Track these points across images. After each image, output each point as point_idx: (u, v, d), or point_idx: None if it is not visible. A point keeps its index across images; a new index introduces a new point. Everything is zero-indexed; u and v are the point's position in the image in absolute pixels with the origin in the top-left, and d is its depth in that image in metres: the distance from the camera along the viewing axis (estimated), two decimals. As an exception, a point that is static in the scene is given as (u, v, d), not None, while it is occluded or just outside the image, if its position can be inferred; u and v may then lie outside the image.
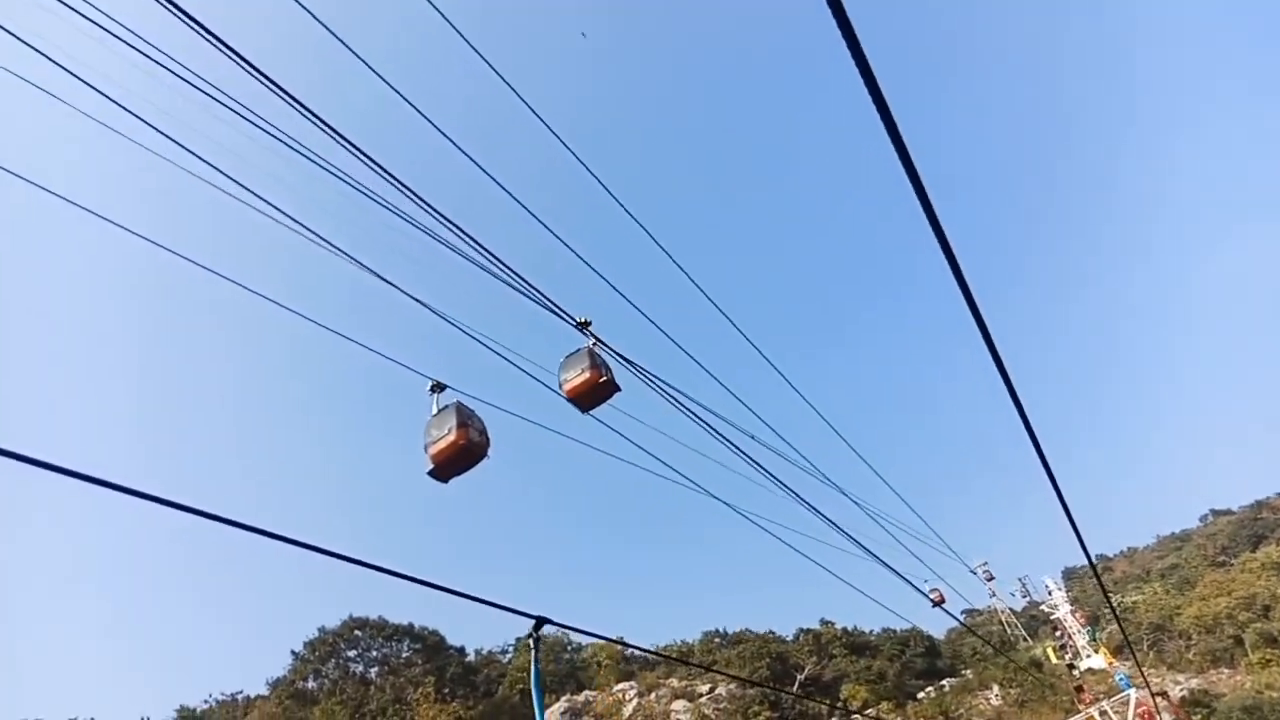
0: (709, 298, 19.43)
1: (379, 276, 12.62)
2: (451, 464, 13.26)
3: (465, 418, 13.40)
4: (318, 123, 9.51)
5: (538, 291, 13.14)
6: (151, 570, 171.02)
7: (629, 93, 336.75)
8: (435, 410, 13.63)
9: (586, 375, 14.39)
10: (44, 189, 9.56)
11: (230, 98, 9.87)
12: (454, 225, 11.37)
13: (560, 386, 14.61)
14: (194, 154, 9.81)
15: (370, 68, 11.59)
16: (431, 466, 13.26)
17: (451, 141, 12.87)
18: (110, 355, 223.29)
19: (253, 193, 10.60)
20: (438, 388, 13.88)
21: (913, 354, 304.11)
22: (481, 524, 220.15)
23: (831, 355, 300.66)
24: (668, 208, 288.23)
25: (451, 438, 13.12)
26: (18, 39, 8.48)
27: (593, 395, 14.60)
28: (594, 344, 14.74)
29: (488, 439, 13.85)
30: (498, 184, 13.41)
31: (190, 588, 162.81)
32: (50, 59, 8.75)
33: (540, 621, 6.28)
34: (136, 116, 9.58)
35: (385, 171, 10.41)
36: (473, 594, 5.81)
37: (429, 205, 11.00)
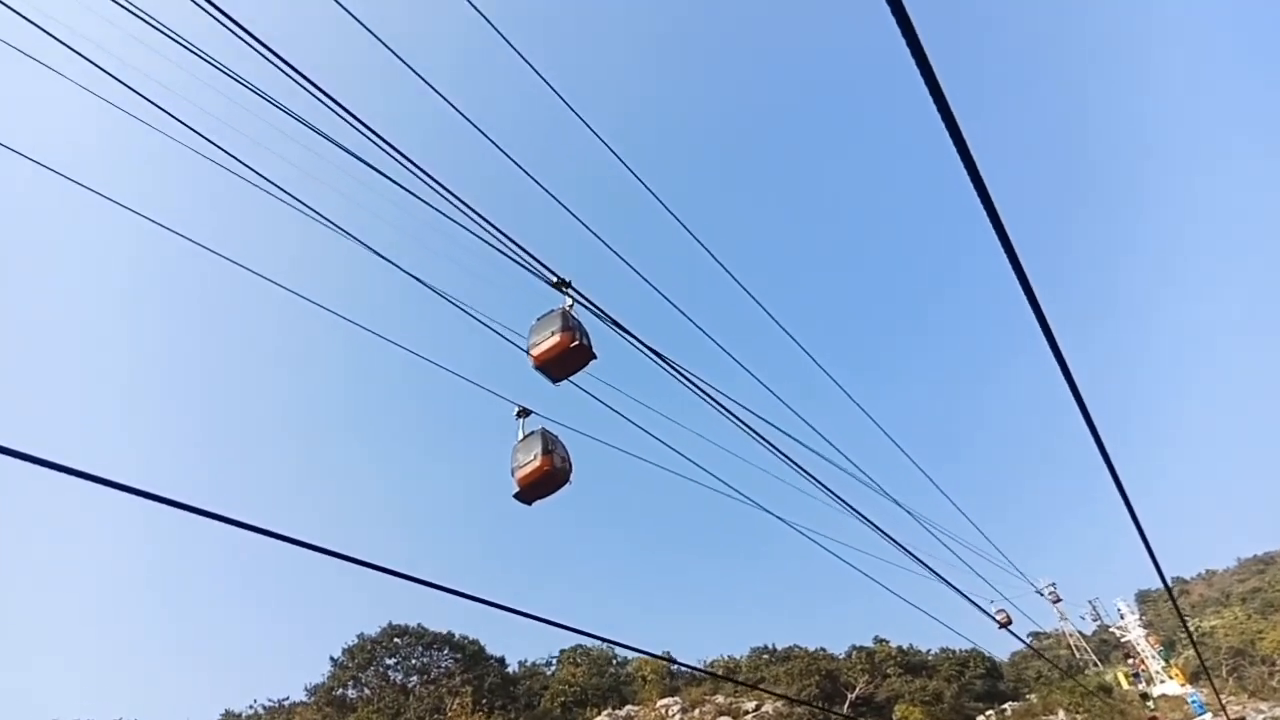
0: (752, 295, 18.29)
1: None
2: (537, 488, 13.82)
3: (550, 444, 13.93)
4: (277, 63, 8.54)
5: (511, 242, 11.77)
6: (204, 579, 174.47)
7: (677, 93, 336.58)
8: (521, 435, 14.16)
9: (557, 339, 12.97)
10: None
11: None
12: (418, 168, 10.08)
13: (528, 352, 13.16)
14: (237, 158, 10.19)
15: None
16: (517, 489, 13.80)
17: (435, 89, 11.75)
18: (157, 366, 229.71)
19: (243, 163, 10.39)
20: (523, 413, 14.33)
21: (979, 367, 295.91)
22: (525, 535, 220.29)
23: (895, 376, 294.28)
24: (716, 218, 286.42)
25: (537, 463, 13.68)
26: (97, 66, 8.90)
27: (563, 362, 13.15)
28: (570, 305, 13.18)
29: (570, 465, 14.35)
30: (480, 131, 12.17)
31: (242, 596, 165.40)
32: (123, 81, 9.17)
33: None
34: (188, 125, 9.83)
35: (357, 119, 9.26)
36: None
37: (394, 149, 9.78)
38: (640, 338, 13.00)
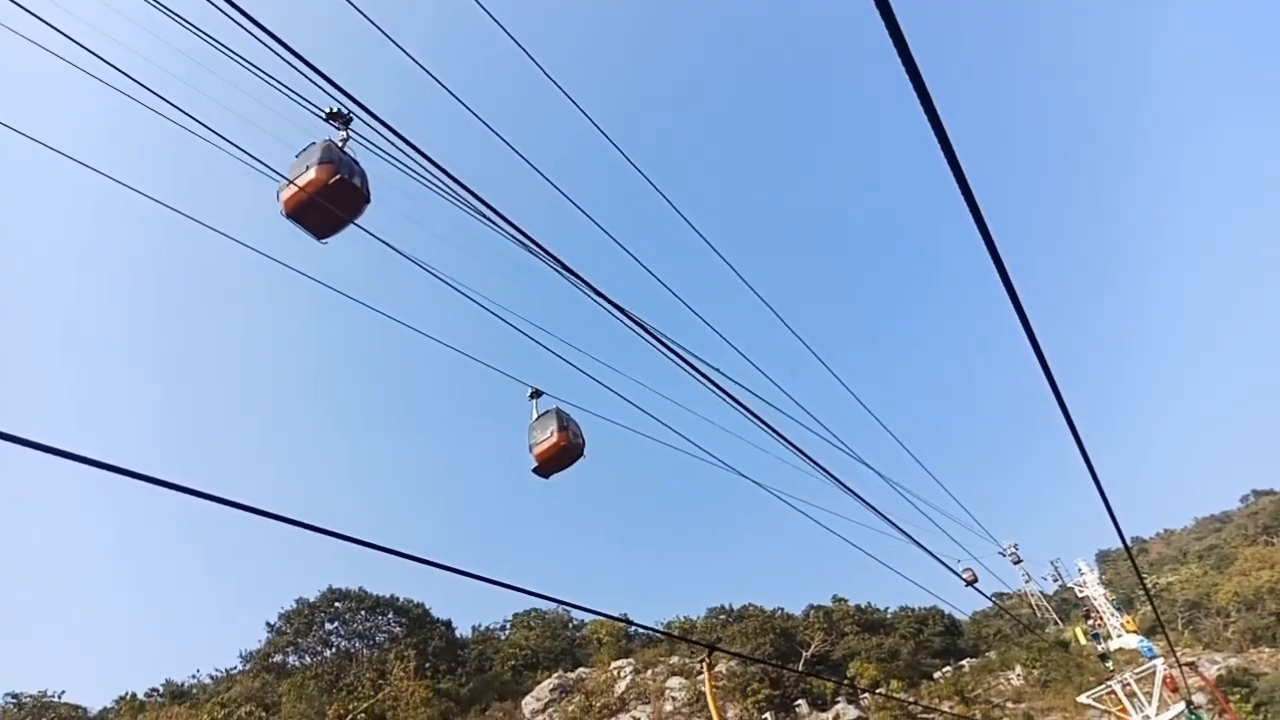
0: (715, 248, 16.25)
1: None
2: (553, 463, 14.69)
3: (565, 422, 14.77)
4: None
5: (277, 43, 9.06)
6: (153, 550, 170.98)
7: (656, 79, 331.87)
8: (536, 415, 14.98)
9: (313, 176, 10.20)
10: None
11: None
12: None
13: (278, 195, 10.40)
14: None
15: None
16: (535, 465, 14.66)
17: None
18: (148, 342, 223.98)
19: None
20: (536, 394, 15.12)
21: (943, 333, 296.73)
22: (477, 505, 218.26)
23: (862, 337, 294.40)
24: (699, 198, 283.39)
25: (554, 440, 14.51)
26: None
27: (324, 205, 10.31)
28: (344, 141, 10.36)
29: (584, 440, 15.12)
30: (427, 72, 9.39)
31: (188, 565, 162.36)
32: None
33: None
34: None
35: None
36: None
37: None
38: (476, 195, 10.27)
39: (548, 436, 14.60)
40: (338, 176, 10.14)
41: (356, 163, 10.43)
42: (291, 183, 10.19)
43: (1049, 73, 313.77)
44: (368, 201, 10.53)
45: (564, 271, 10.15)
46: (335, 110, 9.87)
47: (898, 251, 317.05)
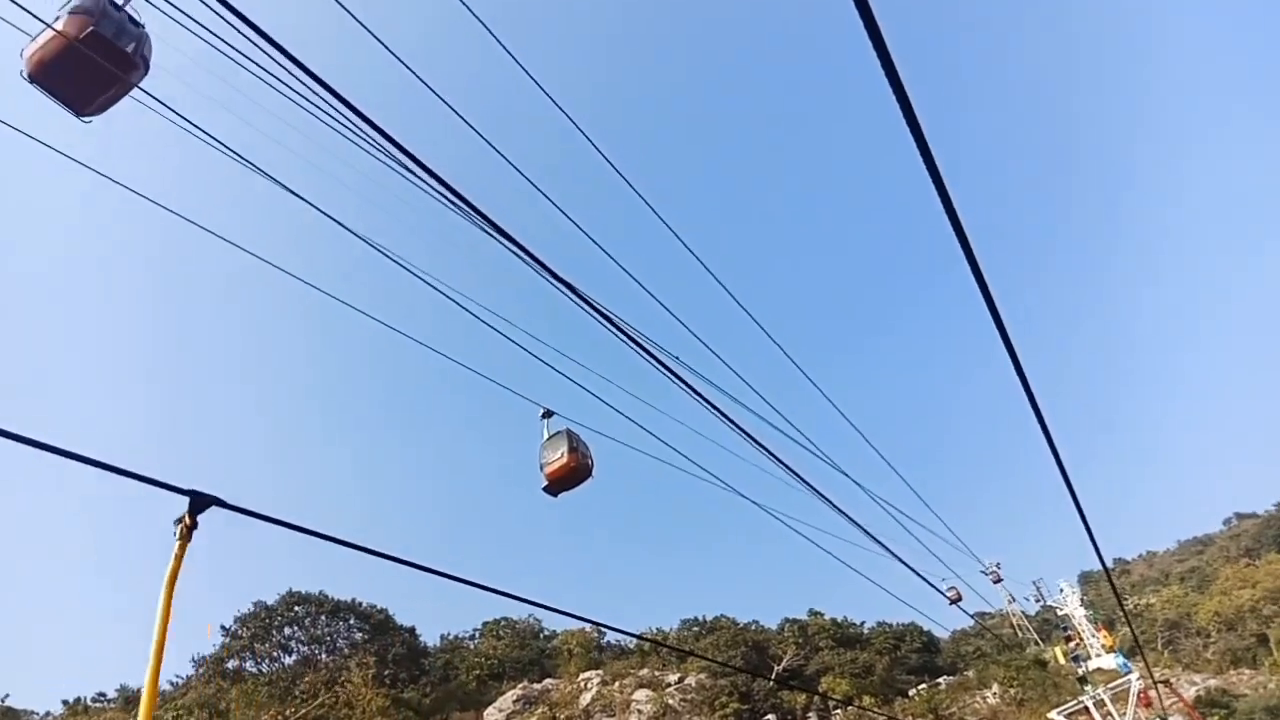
0: (678, 236, 15.18)
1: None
2: (563, 482, 15.03)
3: (575, 443, 15.06)
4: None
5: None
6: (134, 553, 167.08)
7: (642, 81, 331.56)
8: (547, 435, 15.27)
9: (60, 28, 8.39)
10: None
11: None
12: None
13: (21, 53, 8.54)
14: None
15: None
16: (546, 484, 15.02)
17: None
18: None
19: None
20: (547, 414, 15.37)
21: (928, 354, 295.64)
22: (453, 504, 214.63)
23: (849, 355, 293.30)
24: (686, 206, 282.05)
25: (564, 460, 14.84)
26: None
27: (72, 65, 8.42)
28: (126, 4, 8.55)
29: (593, 461, 15.40)
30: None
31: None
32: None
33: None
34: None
35: None
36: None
37: None
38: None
39: (558, 457, 14.85)
40: (90, 29, 8.34)
41: (137, 24, 8.73)
42: (48, 28, 8.38)
43: (1040, 89, 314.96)
44: (139, 70, 8.74)
45: (531, 261, 8.63)
46: None
47: (892, 268, 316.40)
